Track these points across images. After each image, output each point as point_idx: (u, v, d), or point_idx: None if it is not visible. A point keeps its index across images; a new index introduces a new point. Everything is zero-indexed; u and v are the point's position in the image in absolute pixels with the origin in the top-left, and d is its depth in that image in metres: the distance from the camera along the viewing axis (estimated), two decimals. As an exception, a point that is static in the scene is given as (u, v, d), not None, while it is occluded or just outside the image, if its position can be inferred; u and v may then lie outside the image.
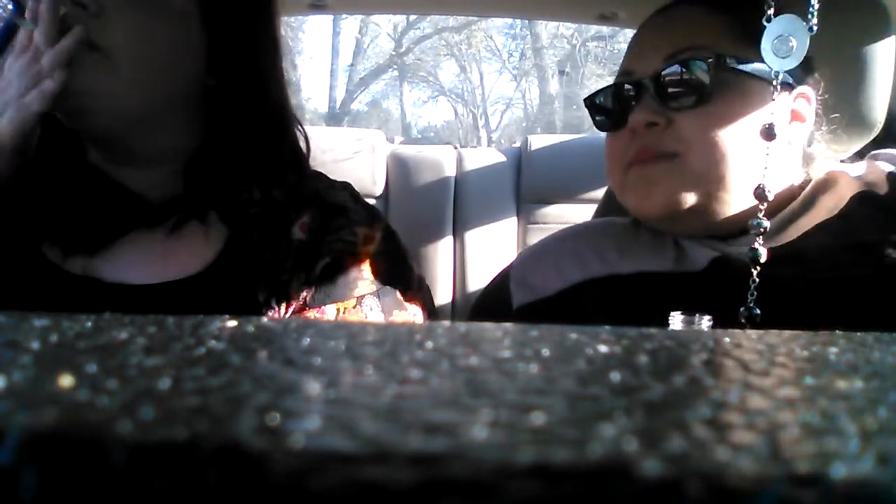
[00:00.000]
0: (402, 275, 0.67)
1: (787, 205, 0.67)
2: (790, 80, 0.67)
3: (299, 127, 0.72)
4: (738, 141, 0.64)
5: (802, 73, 0.68)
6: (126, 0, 0.58)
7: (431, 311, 0.71)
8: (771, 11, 0.47)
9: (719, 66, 0.65)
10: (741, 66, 0.65)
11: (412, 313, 0.66)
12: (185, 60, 0.62)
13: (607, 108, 0.74)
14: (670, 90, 0.66)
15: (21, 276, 0.60)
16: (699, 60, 0.65)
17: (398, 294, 0.66)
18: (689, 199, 0.65)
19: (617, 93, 0.72)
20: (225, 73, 0.65)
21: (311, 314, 0.61)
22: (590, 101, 0.77)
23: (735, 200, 0.66)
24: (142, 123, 0.62)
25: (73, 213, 0.62)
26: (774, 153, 0.67)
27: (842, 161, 0.78)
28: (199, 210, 0.63)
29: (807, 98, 0.69)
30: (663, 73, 0.67)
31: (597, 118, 0.76)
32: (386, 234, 0.68)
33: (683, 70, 0.66)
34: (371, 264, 0.64)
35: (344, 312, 0.62)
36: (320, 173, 0.71)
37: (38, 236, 0.61)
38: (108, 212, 0.62)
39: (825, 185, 0.69)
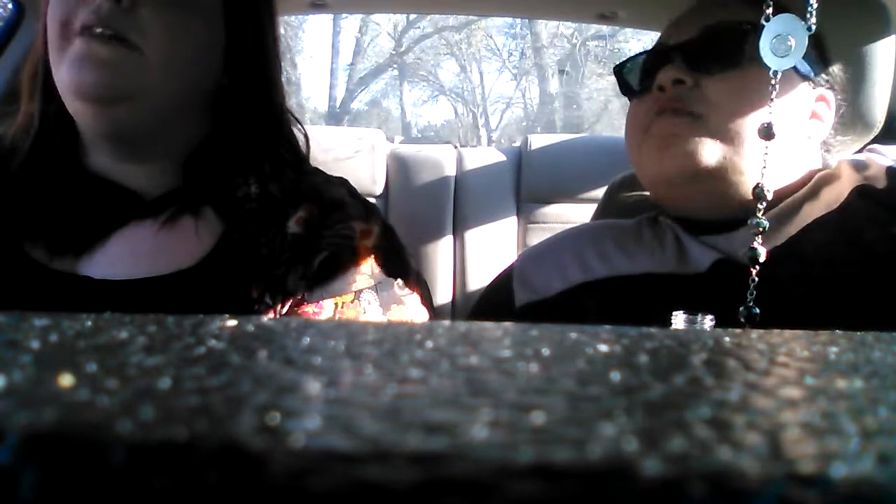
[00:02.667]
0: (400, 269, 0.68)
1: (789, 196, 0.68)
2: (811, 75, 0.68)
3: (299, 126, 0.72)
4: (760, 115, 0.64)
5: (824, 71, 0.69)
6: None
7: (430, 306, 0.71)
8: (770, 11, 0.47)
9: (754, 36, 0.64)
10: None
11: (411, 307, 0.66)
12: (209, 58, 0.63)
13: (635, 74, 0.75)
14: (701, 54, 0.67)
15: (4, 275, 0.60)
16: (733, 28, 0.66)
17: (396, 288, 0.66)
18: (709, 159, 0.65)
19: (646, 60, 0.73)
20: (238, 71, 0.65)
21: (309, 309, 0.61)
22: (619, 69, 0.77)
23: (749, 174, 0.66)
24: (163, 120, 0.62)
25: (60, 213, 0.62)
26: (793, 147, 0.67)
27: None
28: (192, 204, 0.63)
29: (826, 101, 0.70)
30: (696, 38, 0.67)
31: (624, 86, 0.77)
32: (383, 229, 0.68)
33: (716, 36, 0.67)
34: (369, 259, 0.65)
35: (342, 307, 0.62)
36: (318, 169, 0.72)
37: (20, 235, 0.61)
38: (96, 210, 0.62)
39: (827, 179, 0.69)
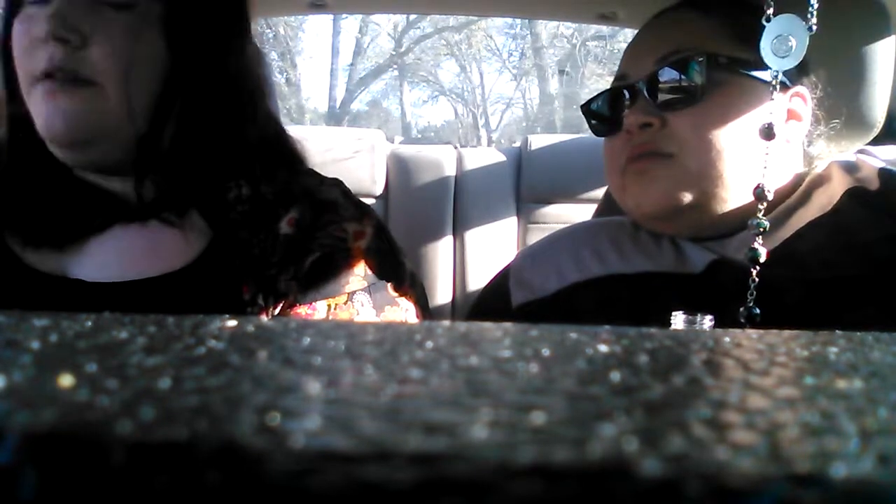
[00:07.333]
0: (394, 270, 0.67)
1: (782, 202, 0.68)
2: (786, 80, 0.68)
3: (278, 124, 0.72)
4: (732, 140, 0.64)
5: (797, 72, 0.69)
6: (104, 26, 0.58)
7: (424, 307, 0.70)
8: (770, 11, 0.47)
9: (711, 65, 0.65)
10: (733, 66, 0.65)
11: (404, 309, 0.66)
12: (158, 76, 0.62)
13: (603, 113, 0.76)
14: (663, 91, 0.67)
15: None
16: (691, 61, 0.66)
17: (390, 290, 0.65)
18: (687, 196, 0.66)
19: (612, 97, 0.74)
20: (185, 81, 0.63)
21: (302, 310, 0.61)
22: (586, 107, 0.78)
23: (732, 198, 0.66)
24: (134, 146, 0.62)
25: (46, 214, 0.61)
26: (773, 152, 0.67)
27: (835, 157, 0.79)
28: (179, 205, 0.63)
29: (802, 97, 0.69)
30: (656, 74, 0.67)
31: (593, 123, 0.77)
32: (377, 230, 0.67)
33: (676, 71, 0.67)
34: (362, 260, 0.64)
35: (335, 308, 0.62)
36: (312, 170, 0.71)
37: (8, 237, 0.61)
38: (82, 209, 0.62)
39: (819, 181, 0.69)
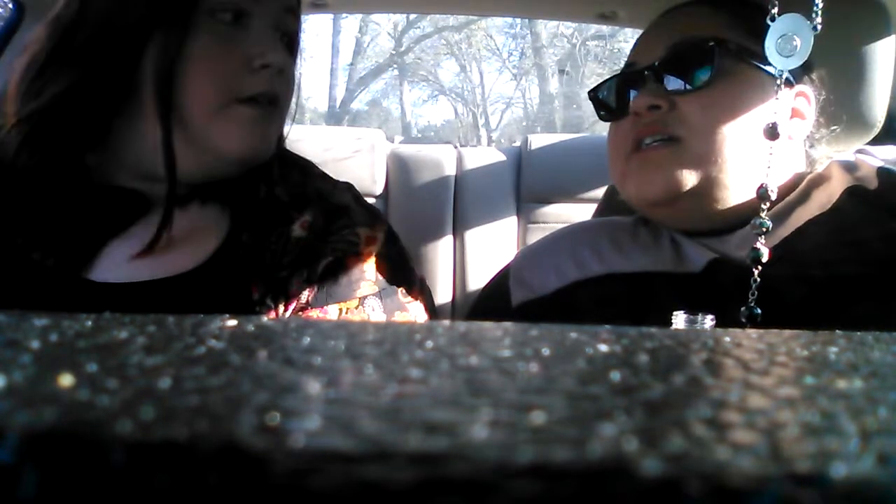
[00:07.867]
0: (404, 276, 0.68)
1: (782, 199, 0.68)
2: (790, 78, 0.68)
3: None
4: (738, 128, 0.65)
5: (802, 71, 0.69)
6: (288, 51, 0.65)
7: (433, 312, 0.71)
8: (775, 11, 0.47)
9: (721, 51, 0.66)
10: (743, 55, 0.66)
11: (414, 314, 0.66)
12: None
13: (611, 98, 0.76)
14: (672, 74, 0.68)
15: (5, 277, 0.59)
16: (701, 46, 0.66)
17: (400, 295, 0.66)
18: (690, 180, 0.66)
19: (620, 82, 0.74)
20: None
21: (314, 314, 0.61)
22: (593, 94, 0.78)
23: (733, 188, 0.66)
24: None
25: (63, 216, 0.61)
26: (776, 150, 0.67)
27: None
28: (203, 202, 0.64)
29: (806, 97, 0.70)
30: (665, 58, 0.68)
31: (600, 109, 0.78)
32: (388, 236, 0.68)
33: (685, 55, 0.67)
34: (374, 265, 0.65)
35: (346, 312, 0.62)
36: (325, 174, 0.72)
37: (21, 237, 0.61)
38: (100, 215, 0.62)
39: (818, 180, 0.69)
